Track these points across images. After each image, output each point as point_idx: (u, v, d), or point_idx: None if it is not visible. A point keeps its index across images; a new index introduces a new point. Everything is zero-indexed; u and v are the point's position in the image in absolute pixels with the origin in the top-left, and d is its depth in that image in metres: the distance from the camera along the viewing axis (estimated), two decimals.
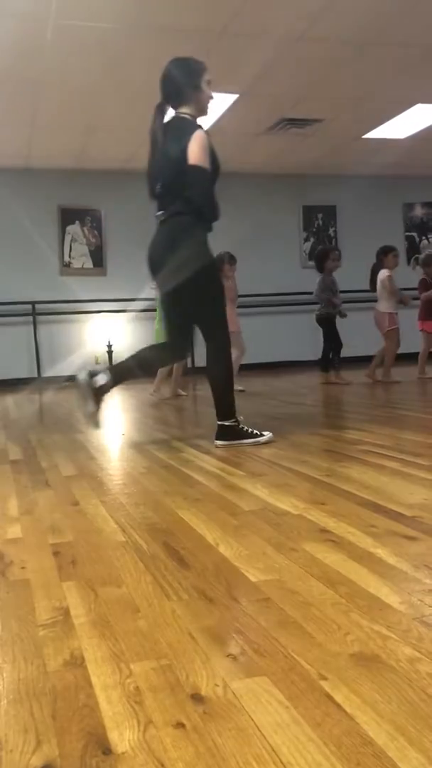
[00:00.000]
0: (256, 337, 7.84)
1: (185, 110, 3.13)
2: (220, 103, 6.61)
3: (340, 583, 1.36)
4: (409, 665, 1.02)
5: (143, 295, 8.96)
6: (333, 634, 1.14)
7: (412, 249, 9.82)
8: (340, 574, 1.41)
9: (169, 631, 1.18)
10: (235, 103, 6.59)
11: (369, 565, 1.46)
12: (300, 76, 5.99)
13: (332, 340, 6.33)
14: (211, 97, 3.18)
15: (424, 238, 9.89)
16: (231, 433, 3.11)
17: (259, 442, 3.09)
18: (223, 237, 9.07)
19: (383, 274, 6.14)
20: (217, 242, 9.18)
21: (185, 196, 3.00)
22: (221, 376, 3.15)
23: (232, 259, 5.88)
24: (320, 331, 6.44)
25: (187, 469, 2.63)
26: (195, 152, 2.95)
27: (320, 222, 9.57)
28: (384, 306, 6.16)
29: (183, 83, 3.10)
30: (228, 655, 1.08)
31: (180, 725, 0.89)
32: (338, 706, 0.92)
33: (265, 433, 3.15)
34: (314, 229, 9.52)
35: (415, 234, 9.91)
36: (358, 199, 9.41)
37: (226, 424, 3.12)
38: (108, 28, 4.99)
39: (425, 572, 1.40)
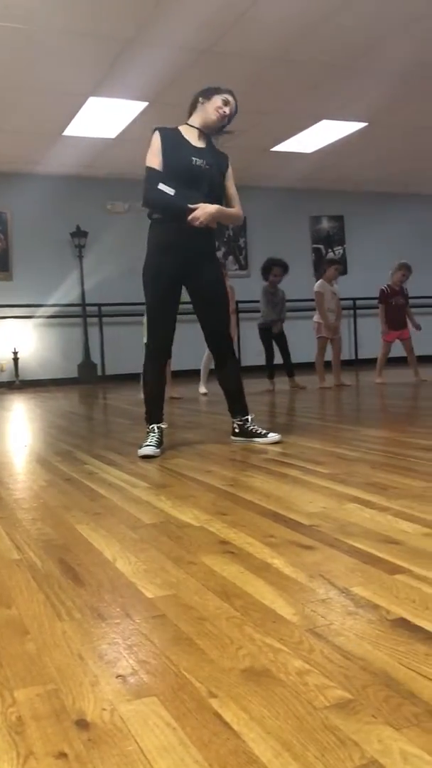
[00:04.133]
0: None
1: (191, 121, 3.21)
2: (129, 110, 6.59)
3: (236, 596, 1.36)
4: (298, 678, 1.02)
5: (51, 301, 8.79)
6: (225, 650, 1.13)
7: (319, 261, 10.10)
8: (237, 586, 1.41)
9: (58, 654, 1.14)
10: (145, 110, 6.58)
11: (266, 576, 1.47)
12: None
13: (265, 350, 6.49)
14: (221, 112, 3.12)
15: (330, 250, 10.18)
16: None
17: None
18: (131, 246, 9.04)
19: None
20: (131, 248, 9.12)
21: None
22: (144, 380, 3.34)
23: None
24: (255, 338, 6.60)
25: (90, 482, 2.58)
26: (147, 156, 3.11)
27: (230, 232, 9.68)
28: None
29: (196, 95, 3.20)
30: (117, 677, 1.06)
31: (62, 755, 0.86)
32: (226, 724, 0.91)
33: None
34: (225, 239, 9.62)
35: (321, 246, 10.20)
36: (267, 211, 9.59)
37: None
38: (17, 28, 4.87)
39: (320, 582, 1.42)
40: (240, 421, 3.35)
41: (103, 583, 1.47)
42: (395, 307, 6.69)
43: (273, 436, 3.28)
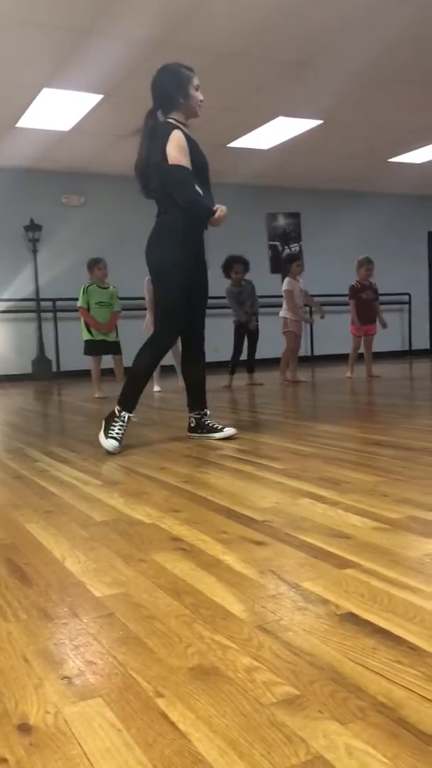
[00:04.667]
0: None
1: (174, 116, 3.14)
2: (84, 102, 6.51)
3: (187, 594, 1.35)
4: (246, 675, 1.02)
5: (5, 295, 8.62)
6: (174, 648, 1.12)
7: (276, 258, 10.15)
8: (187, 583, 1.40)
9: (2, 656, 1.11)
10: (100, 103, 6.50)
11: (217, 572, 1.46)
12: None
13: (234, 346, 6.48)
14: (201, 101, 3.17)
15: (286, 247, 10.24)
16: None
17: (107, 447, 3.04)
18: (87, 240, 8.92)
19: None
20: (87, 242, 8.97)
21: (174, 198, 3.07)
22: (136, 366, 3.15)
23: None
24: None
25: (41, 480, 2.53)
26: (171, 153, 3.01)
27: None
28: None
29: (173, 92, 3.11)
30: (63, 678, 1.03)
31: (2, 761, 0.83)
32: (172, 724, 0.90)
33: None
34: None
35: (278, 243, 10.24)
36: None
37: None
38: None
39: (270, 577, 1.42)
40: (197, 414, 3.35)
41: (51, 582, 1.44)
42: (365, 302, 6.78)
43: (228, 431, 3.28)
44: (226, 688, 0.98)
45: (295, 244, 10.30)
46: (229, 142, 8.02)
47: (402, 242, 10.99)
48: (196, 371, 3.37)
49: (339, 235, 10.36)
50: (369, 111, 7.12)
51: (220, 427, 3.31)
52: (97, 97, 6.39)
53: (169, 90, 3.11)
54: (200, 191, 3.09)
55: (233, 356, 6.52)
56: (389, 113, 7.21)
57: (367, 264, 6.82)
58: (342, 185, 10.25)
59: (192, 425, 3.37)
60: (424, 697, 0.94)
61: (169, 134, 3.03)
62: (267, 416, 4.28)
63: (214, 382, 6.31)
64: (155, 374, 6.26)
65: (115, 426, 3.07)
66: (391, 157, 8.94)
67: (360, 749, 0.82)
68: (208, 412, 3.38)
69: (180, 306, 3.16)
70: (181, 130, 3.08)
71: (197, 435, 3.34)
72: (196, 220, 3.12)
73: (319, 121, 7.39)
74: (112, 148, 7.92)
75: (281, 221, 10.29)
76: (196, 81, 3.15)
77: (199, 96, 3.16)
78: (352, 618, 1.20)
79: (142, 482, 2.42)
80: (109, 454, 2.98)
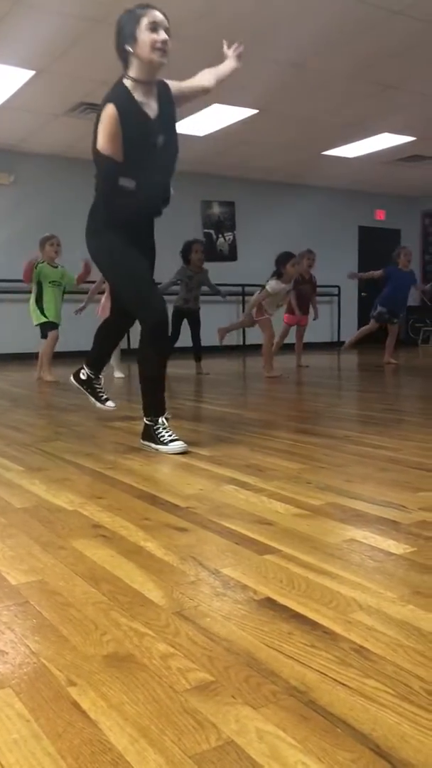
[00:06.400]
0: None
1: (131, 73, 2.64)
2: (15, 78, 6.30)
3: (105, 581, 1.33)
4: (161, 662, 1.01)
5: None
6: (89, 636, 1.10)
7: (210, 245, 10.13)
8: (107, 570, 1.38)
9: None
10: (32, 80, 6.30)
11: (137, 559, 1.44)
12: (99, 61, 5.86)
13: (172, 331, 6.39)
14: (157, 43, 2.56)
15: (220, 236, 10.24)
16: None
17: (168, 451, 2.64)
18: (16, 219, 8.66)
19: None
20: (15, 221, 8.64)
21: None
22: (146, 370, 2.78)
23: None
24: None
25: None
26: (98, 137, 2.59)
27: None
28: None
29: (119, 41, 2.62)
30: None
31: None
32: (83, 713, 0.88)
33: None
34: None
35: (212, 231, 10.23)
36: None
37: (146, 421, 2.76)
38: None
39: (191, 564, 1.41)
40: (92, 374, 3.21)
41: None
42: (300, 294, 6.81)
43: (110, 405, 3.24)
44: (140, 676, 0.97)
45: (229, 233, 10.31)
46: None
47: (333, 236, 11.16)
48: (115, 340, 3.25)
49: (272, 226, 10.43)
50: (304, 103, 7.17)
51: (105, 397, 3.24)
52: (29, 73, 6.19)
53: (117, 41, 2.63)
54: (127, 185, 2.64)
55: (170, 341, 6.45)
56: (324, 106, 7.28)
57: (307, 255, 6.88)
58: (276, 176, 10.32)
59: (82, 377, 3.21)
60: (335, 680, 0.95)
61: (102, 111, 2.57)
62: (196, 404, 4.28)
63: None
64: (115, 360, 5.95)
65: (161, 433, 2.68)
66: (324, 150, 9.05)
67: (270, 733, 0.83)
68: (102, 378, 3.28)
69: (139, 280, 2.72)
70: (123, 100, 2.59)
71: (83, 389, 3.21)
72: (134, 210, 2.76)
73: (255, 111, 7.40)
74: (44, 127, 7.70)
75: (216, 209, 10.28)
76: (146, 19, 2.56)
77: (155, 36, 2.55)
78: (269, 603, 1.21)
79: (65, 468, 2.37)
80: (186, 453, 2.60)
